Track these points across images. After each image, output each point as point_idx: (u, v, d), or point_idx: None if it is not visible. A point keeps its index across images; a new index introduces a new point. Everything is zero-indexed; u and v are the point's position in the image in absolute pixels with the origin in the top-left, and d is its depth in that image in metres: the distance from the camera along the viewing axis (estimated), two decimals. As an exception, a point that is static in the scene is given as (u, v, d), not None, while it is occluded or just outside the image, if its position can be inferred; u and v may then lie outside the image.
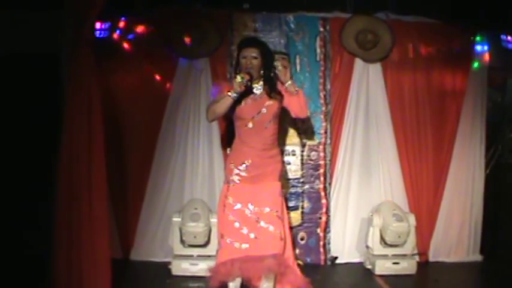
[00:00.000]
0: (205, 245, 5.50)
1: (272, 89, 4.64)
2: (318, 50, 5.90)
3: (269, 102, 4.59)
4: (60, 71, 4.54)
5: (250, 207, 4.57)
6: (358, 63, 5.97)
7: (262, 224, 4.54)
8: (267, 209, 4.56)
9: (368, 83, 5.99)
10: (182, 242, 5.51)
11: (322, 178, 5.87)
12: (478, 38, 6.09)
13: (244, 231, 4.55)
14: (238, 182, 4.59)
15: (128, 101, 5.78)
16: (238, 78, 4.38)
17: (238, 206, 4.57)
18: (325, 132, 5.90)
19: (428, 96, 6.03)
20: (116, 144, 5.61)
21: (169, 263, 5.45)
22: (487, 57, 6.09)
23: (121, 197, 5.75)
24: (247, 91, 4.49)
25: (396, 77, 6.00)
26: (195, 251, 5.50)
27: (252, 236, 4.53)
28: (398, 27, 5.93)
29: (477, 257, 6.11)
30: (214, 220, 5.47)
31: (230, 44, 5.80)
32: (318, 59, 5.89)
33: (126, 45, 5.75)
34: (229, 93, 4.39)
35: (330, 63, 5.93)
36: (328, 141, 5.88)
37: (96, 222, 4.36)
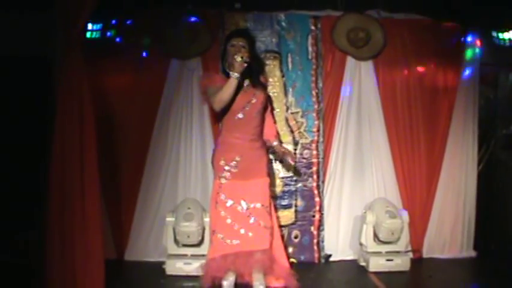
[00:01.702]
0: (198, 244, 5.50)
1: (257, 80, 4.88)
2: (310, 49, 5.91)
3: (257, 92, 4.81)
4: (51, 73, 4.55)
5: (243, 203, 4.69)
6: (350, 61, 5.97)
7: (253, 219, 4.68)
8: (258, 205, 4.71)
9: (360, 80, 6.00)
10: (176, 241, 5.51)
11: (315, 176, 5.87)
12: (469, 35, 6.10)
13: (236, 227, 4.67)
14: (229, 178, 4.70)
15: (120, 102, 5.78)
16: (239, 58, 4.54)
17: (231, 202, 4.69)
18: (318, 130, 5.91)
19: (421, 94, 6.04)
20: (109, 145, 5.61)
21: (163, 262, 5.44)
22: (478, 54, 6.10)
23: (114, 198, 5.74)
24: (238, 85, 4.61)
25: (388, 74, 6.01)
26: (189, 251, 5.50)
27: (242, 231, 4.66)
28: (390, 24, 5.94)
29: (471, 253, 6.13)
30: (207, 219, 5.47)
31: (222, 44, 5.79)
32: (309, 57, 5.90)
33: (117, 46, 5.76)
34: (232, 76, 4.53)
35: (321, 61, 5.93)
36: (321, 139, 5.89)
37: (89, 223, 4.36)
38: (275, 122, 5.46)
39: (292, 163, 5.51)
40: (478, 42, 6.10)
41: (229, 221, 4.67)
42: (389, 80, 6.01)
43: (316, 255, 5.88)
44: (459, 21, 6.02)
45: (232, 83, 4.54)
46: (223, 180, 4.71)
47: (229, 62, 4.73)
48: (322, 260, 5.90)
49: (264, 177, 4.84)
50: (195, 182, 5.89)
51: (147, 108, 5.83)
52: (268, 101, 5.09)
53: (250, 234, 4.66)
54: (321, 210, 5.92)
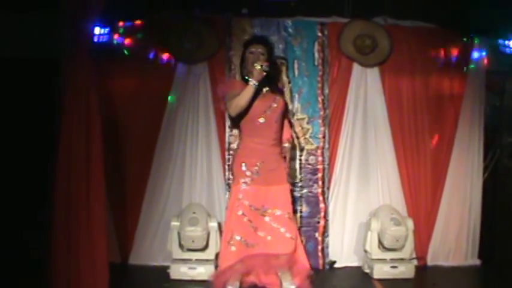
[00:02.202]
0: (203, 249, 5.50)
1: (275, 86, 4.99)
2: (316, 55, 5.91)
3: (277, 97, 4.86)
4: (58, 76, 4.56)
5: (263, 208, 4.73)
6: (356, 67, 5.98)
7: (274, 225, 4.72)
8: (279, 212, 4.76)
9: (366, 87, 6.00)
10: (181, 246, 5.51)
11: (320, 182, 5.87)
12: (476, 42, 6.10)
13: (254, 228, 4.70)
14: (250, 183, 4.73)
15: (126, 106, 5.80)
16: (258, 67, 4.57)
17: (250, 206, 4.72)
18: (324, 137, 5.91)
19: (427, 101, 6.03)
20: (115, 149, 5.63)
21: (167, 267, 5.44)
22: (485, 61, 6.10)
23: (120, 201, 5.75)
24: (256, 91, 4.65)
25: (394, 81, 6.01)
26: (194, 255, 5.50)
27: (261, 234, 4.71)
28: (396, 31, 5.94)
29: (475, 261, 6.10)
30: (212, 224, 5.51)
31: (228, 49, 5.84)
32: (316, 63, 5.90)
33: (124, 50, 5.78)
34: (250, 83, 4.57)
35: (328, 67, 5.94)
36: (327, 145, 5.88)
37: (94, 227, 4.38)
38: (291, 126, 5.54)
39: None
40: (484, 50, 6.09)
41: (247, 221, 4.69)
42: (395, 87, 6.01)
43: (320, 261, 5.86)
44: (465, 28, 6.01)
45: (250, 90, 4.58)
46: (243, 186, 4.73)
47: (248, 69, 4.77)
48: (327, 266, 5.89)
49: (284, 184, 4.87)
50: (200, 186, 5.89)
51: (153, 112, 5.84)
52: (286, 107, 5.13)
53: (269, 237, 4.70)
54: (325, 217, 5.92)
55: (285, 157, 5.11)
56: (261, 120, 4.75)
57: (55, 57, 4.45)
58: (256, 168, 4.73)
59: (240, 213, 4.70)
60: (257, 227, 4.72)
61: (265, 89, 4.83)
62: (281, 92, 5.05)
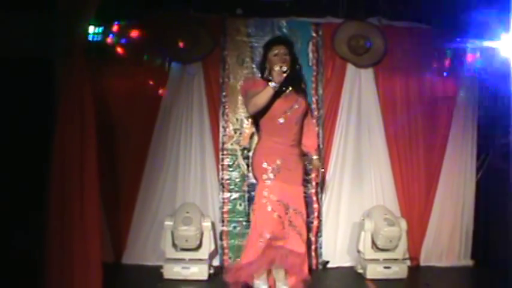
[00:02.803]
0: (197, 248, 5.51)
1: (299, 87, 4.94)
2: (310, 55, 5.93)
3: (299, 98, 4.85)
4: (53, 75, 4.55)
5: (287, 204, 4.74)
6: (350, 68, 6.00)
7: (293, 223, 4.76)
8: (297, 211, 4.80)
9: (360, 88, 6.02)
10: (174, 245, 5.51)
11: (314, 183, 5.86)
12: (469, 44, 6.11)
13: (283, 224, 4.72)
14: (273, 179, 4.73)
15: (120, 105, 5.80)
16: (277, 68, 4.57)
17: (279, 200, 4.71)
18: (317, 137, 5.91)
19: (420, 102, 6.07)
20: (108, 148, 5.63)
21: (161, 266, 5.43)
22: (478, 62, 6.12)
23: (113, 201, 5.75)
24: (279, 91, 4.66)
25: (388, 82, 6.04)
26: (187, 255, 5.49)
27: (286, 230, 4.73)
28: (391, 32, 5.97)
29: (468, 262, 6.12)
30: (206, 224, 5.53)
31: (223, 49, 5.86)
32: (310, 64, 5.91)
33: (119, 49, 5.78)
34: (270, 85, 4.57)
35: (322, 68, 5.97)
36: (320, 145, 5.88)
37: (88, 226, 4.36)
38: (318, 134, 5.62)
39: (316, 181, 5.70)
40: (478, 52, 6.11)
41: (277, 217, 4.68)
42: (389, 88, 6.04)
43: (314, 261, 5.86)
44: (460, 30, 6.02)
45: (269, 91, 4.58)
46: (267, 182, 4.73)
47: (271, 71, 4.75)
48: (320, 267, 5.90)
49: (300, 186, 4.92)
50: (194, 186, 5.90)
51: (147, 111, 5.85)
52: (308, 109, 5.10)
53: (289, 235, 4.74)
54: (319, 217, 5.93)
55: (316, 175, 5.34)
56: (281, 120, 4.74)
57: (49, 57, 4.45)
58: (277, 165, 4.73)
59: (269, 209, 4.68)
60: (284, 221, 4.73)
61: (288, 90, 4.81)
62: (304, 93, 5.01)
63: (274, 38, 5.23)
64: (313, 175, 5.48)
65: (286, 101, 4.77)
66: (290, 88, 4.82)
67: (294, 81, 4.84)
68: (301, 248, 4.77)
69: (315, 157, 5.19)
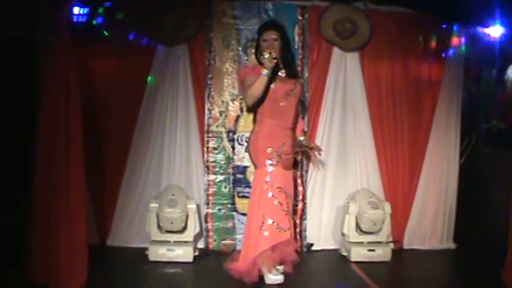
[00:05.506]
0: (182, 230, 5.51)
1: (293, 70, 5.02)
2: (296, 38, 5.92)
3: (296, 81, 4.92)
4: (37, 57, 4.52)
5: (285, 190, 4.80)
6: (336, 52, 6.00)
7: (289, 209, 4.84)
8: (291, 197, 4.92)
9: (345, 71, 6.03)
10: (159, 227, 5.51)
11: (298, 165, 5.88)
12: (454, 29, 6.14)
13: (285, 212, 4.74)
14: (276, 166, 4.76)
15: (105, 87, 5.77)
16: (266, 55, 4.60)
17: (280, 187, 4.74)
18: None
19: (405, 86, 6.09)
20: (93, 130, 5.61)
21: (146, 248, 5.44)
22: (463, 48, 6.15)
23: (98, 183, 5.73)
24: (274, 74, 4.71)
25: (373, 66, 6.05)
26: (172, 237, 5.50)
27: (288, 217, 4.78)
28: (376, 16, 5.98)
29: (450, 245, 6.19)
30: (191, 206, 5.53)
31: (209, 31, 5.83)
32: (296, 47, 5.89)
33: (104, 31, 5.72)
34: (263, 72, 4.61)
35: (308, 51, 5.96)
36: (306, 128, 5.89)
37: (74, 208, 4.38)
38: (303, 117, 5.63)
39: (319, 157, 5.65)
40: (463, 37, 6.14)
41: (278, 204, 4.70)
42: (374, 72, 6.05)
43: (298, 244, 5.86)
44: (445, 15, 6.05)
45: (262, 80, 4.62)
46: (270, 168, 4.74)
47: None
48: (304, 249, 5.92)
49: (292, 170, 5.04)
50: (179, 168, 5.89)
51: (132, 93, 5.82)
52: (302, 93, 5.21)
53: (290, 221, 4.81)
54: (304, 200, 5.96)
55: (313, 147, 5.41)
56: (283, 103, 4.79)
57: (34, 37, 4.41)
58: (279, 150, 4.76)
59: (270, 195, 4.70)
60: (287, 210, 4.76)
61: (281, 73, 4.84)
62: (299, 77, 5.14)
63: (265, 23, 5.19)
64: (317, 153, 5.47)
65: (285, 84, 4.81)
66: (283, 71, 4.85)
67: (287, 64, 4.87)
68: (293, 234, 4.88)
69: (301, 138, 5.26)
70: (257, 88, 4.64)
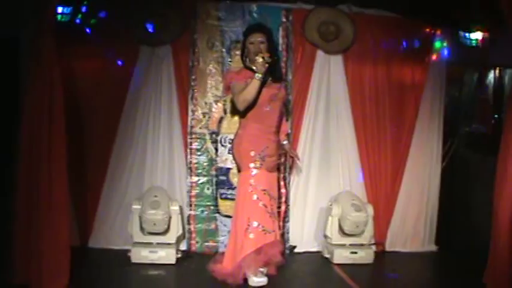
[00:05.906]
0: (164, 232, 5.48)
1: (279, 73, 5.06)
2: (281, 41, 5.91)
3: (280, 85, 4.96)
4: (20, 56, 4.47)
5: (269, 192, 4.81)
6: (320, 54, 6.02)
7: (274, 211, 4.86)
8: (275, 199, 4.94)
9: (329, 74, 6.04)
10: (142, 229, 5.48)
11: (281, 167, 5.87)
12: (437, 33, 6.19)
13: (270, 214, 4.76)
14: (260, 168, 4.78)
15: (87, 87, 5.72)
16: (260, 59, 4.63)
17: (264, 189, 4.76)
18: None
19: (388, 89, 6.12)
20: (76, 131, 5.53)
21: (128, 250, 5.41)
22: (446, 52, 6.20)
23: (80, 184, 5.66)
24: (264, 80, 4.73)
25: (357, 69, 6.07)
26: (155, 239, 5.47)
27: (272, 219, 4.79)
28: (360, 19, 6.01)
29: (432, 247, 6.23)
30: (174, 208, 5.51)
31: (193, 32, 5.81)
32: (280, 49, 5.88)
33: (87, 30, 5.69)
34: (256, 77, 4.63)
35: (292, 53, 5.96)
36: (289, 130, 5.88)
37: (56, 209, 4.35)
38: (287, 120, 5.61)
39: (300, 164, 5.82)
40: (446, 42, 6.18)
41: (263, 206, 4.72)
42: (357, 75, 6.07)
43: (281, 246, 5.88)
44: (428, 20, 6.09)
45: (256, 84, 4.65)
46: (254, 171, 4.77)
47: (251, 59, 4.81)
48: (287, 251, 5.90)
49: (276, 173, 5.07)
50: (161, 170, 5.87)
51: (115, 94, 5.78)
52: (287, 96, 5.26)
53: (275, 223, 4.82)
54: (286, 202, 5.95)
55: (292, 156, 5.45)
56: (268, 108, 4.82)
57: (17, 37, 4.37)
58: (263, 152, 4.78)
59: (255, 197, 4.72)
60: (271, 212, 4.77)
61: (269, 78, 4.85)
62: (283, 80, 5.19)
63: (251, 26, 5.22)
64: (282, 160, 5.50)
65: (270, 88, 4.84)
66: (270, 77, 4.86)
67: (272, 68, 4.85)
68: (278, 235, 4.86)
69: (285, 142, 5.27)
70: (249, 93, 4.67)
